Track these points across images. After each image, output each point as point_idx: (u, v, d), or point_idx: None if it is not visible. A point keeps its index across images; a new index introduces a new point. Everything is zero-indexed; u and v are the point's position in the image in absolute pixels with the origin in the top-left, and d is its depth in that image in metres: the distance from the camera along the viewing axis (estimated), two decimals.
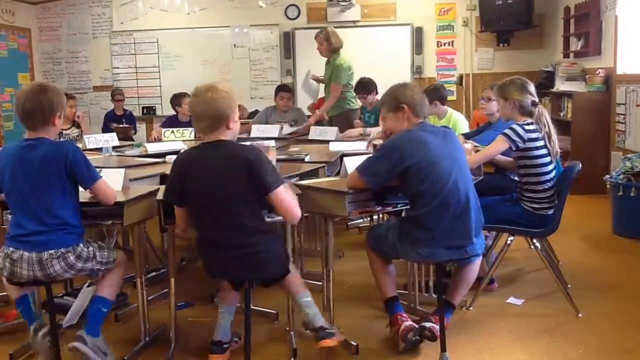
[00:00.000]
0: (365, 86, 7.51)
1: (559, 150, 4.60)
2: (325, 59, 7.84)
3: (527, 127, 4.40)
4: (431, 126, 3.93)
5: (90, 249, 3.58)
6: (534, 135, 4.41)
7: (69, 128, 7.52)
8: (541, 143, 4.44)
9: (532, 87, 4.59)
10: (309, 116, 8.86)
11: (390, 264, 4.11)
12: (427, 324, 3.87)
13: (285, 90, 7.92)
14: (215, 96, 3.45)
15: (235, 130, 3.58)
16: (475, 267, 4.04)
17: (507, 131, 4.40)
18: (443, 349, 3.73)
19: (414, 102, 3.85)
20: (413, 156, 3.65)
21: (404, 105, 3.83)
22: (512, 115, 4.57)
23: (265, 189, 3.42)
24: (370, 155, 4.05)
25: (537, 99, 4.57)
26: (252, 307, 3.69)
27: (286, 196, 3.50)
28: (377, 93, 7.45)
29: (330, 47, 7.57)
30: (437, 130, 3.88)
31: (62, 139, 7.28)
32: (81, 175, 3.49)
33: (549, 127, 4.51)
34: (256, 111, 8.85)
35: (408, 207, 3.90)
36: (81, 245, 3.52)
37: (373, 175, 3.76)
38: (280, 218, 3.65)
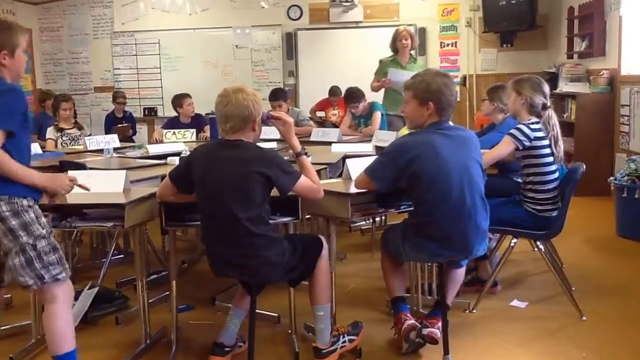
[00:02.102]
0: (355, 95, 7.44)
1: (563, 156, 4.58)
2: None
3: (532, 126, 4.39)
4: (450, 128, 3.77)
5: (40, 228, 3.13)
6: (539, 134, 4.40)
7: (71, 128, 7.44)
8: (546, 143, 4.42)
9: (546, 89, 4.58)
10: (310, 117, 8.85)
11: (402, 264, 4.09)
12: (425, 331, 3.84)
13: (273, 99, 7.61)
14: (246, 97, 3.48)
15: (258, 132, 3.62)
16: (463, 267, 4.09)
17: (513, 131, 4.38)
18: (446, 351, 3.72)
19: (443, 103, 3.69)
20: (422, 162, 3.56)
21: (431, 103, 3.68)
22: (520, 111, 4.54)
23: (284, 191, 3.52)
24: (378, 155, 3.94)
25: (548, 102, 4.55)
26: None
27: (304, 186, 3.56)
28: (365, 99, 7.43)
29: (415, 44, 7.64)
30: (456, 134, 3.75)
31: (64, 139, 7.23)
32: None
33: (556, 131, 4.50)
34: None
35: (411, 209, 3.87)
36: (24, 202, 3.10)
37: (382, 179, 3.70)
38: (283, 219, 3.79)
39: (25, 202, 3.10)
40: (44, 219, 3.21)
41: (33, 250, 3.10)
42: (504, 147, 4.43)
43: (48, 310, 3.21)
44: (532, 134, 4.36)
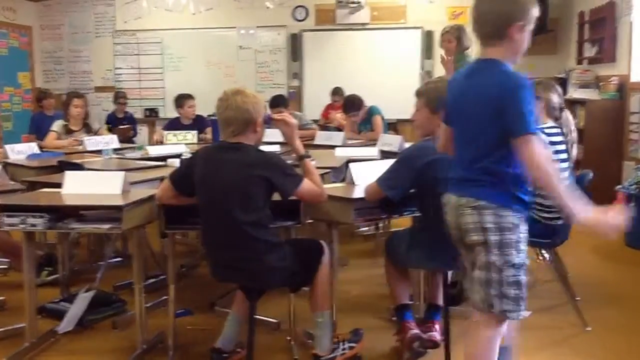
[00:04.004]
0: (355, 104, 7.39)
1: (574, 157, 4.51)
2: None
3: (547, 131, 4.32)
4: None
5: (515, 256, 2.78)
6: (555, 139, 4.33)
7: (79, 129, 7.28)
8: (562, 147, 4.37)
9: (560, 90, 4.56)
10: (316, 120, 8.81)
11: (407, 271, 4.03)
12: (424, 336, 3.83)
13: (272, 106, 7.61)
14: (245, 100, 3.45)
15: (260, 134, 3.57)
16: None
17: None
18: (448, 359, 3.67)
19: None
20: (437, 167, 3.45)
21: (442, 112, 3.53)
22: (539, 115, 4.46)
23: (286, 194, 3.48)
24: (390, 165, 3.78)
25: (563, 104, 4.49)
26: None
27: (306, 190, 3.52)
28: (364, 106, 7.37)
29: (460, 48, 6.86)
30: None
31: (70, 138, 7.11)
32: None
33: (573, 134, 4.43)
34: None
35: (417, 214, 3.81)
36: (510, 218, 2.77)
37: (396, 189, 3.61)
38: (284, 224, 3.78)
39: (511, 218, 2.79)
40: (525, 246, 2.84)
41: (497, 273, 2.79)
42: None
43: (477, 331, 2.94)
44: (547, 139, 4.26)
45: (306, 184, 3.50)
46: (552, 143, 4.30)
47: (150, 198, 3.84)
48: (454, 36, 6.88)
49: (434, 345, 3.79)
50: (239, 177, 3.35)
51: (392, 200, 3.69)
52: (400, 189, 3.61)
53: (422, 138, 3.79)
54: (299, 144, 3.69)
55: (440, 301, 4.00)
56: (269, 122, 3.59)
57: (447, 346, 3.70)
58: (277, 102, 7.67)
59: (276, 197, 3.48)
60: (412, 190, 3.65)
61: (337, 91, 9.48)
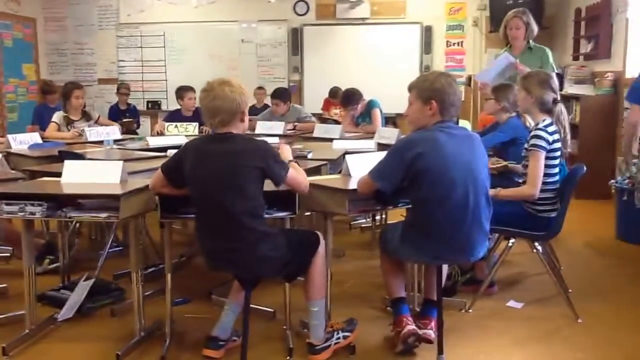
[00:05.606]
0: (353, 98, 7.40)
1: (567, 152, 4.53)
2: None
3: (549, 130, 4.31)
4: (454, 128, 3.68)
5: None
6: (556, 136, 4.33)
7: (79, 119, 7.33)
8: (558, 146, 4.36)
9: (555, 83, 4.53)
10: (319, 114, 8.85)
11: (402, 264, 4.03)
12: (420, 332, 3.82)
13: (274, 97, 7.75)
14: (232, 90, 3.51)
15: (247, 123, 3.64)
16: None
17: (536, 142, 4.27)
18: (440, 351, 3.69)
19: (446, 102, 3.59)
20: (426, 159, 3.46)
21: (433, 101, 3.59)
22: (531, 109, 4.49)
23: (278, 182, 3.53)
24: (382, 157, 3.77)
25: (558, 96, 4.49)
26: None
27: (292, 177, 3.58)
28: (363, 99, 7.43)
29: (530, 34, 6.23)
30: (460, 133, 3.68)
31: (69, 129, 7.14)
32: None
33: (566, 127, 4.45)
34: (265, 106, 8.97)
35: (409, 207, 3.79)
36: None
37: (387, 179, 3.59)
38: (279, 214, 3.80)
39: None
40: None
41: None
42: (540, 163, 4.29)
43: None
44: (550, 138, 4.28)
45: (293, 172, 3.58)
46: (554, 141, 4.31)
47: (147, 188, 3.83)
48: (524, 21, 6.21)
49: (428, 342, 3.79)
50: (230, 167, 3.39)
51: (386, 192, 3.68)
52: (391, 181, 3.59)
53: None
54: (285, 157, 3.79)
55: (435, 297, 3.96)
56: None
57: (439, 336, 3.72)
58: (279, 94, 7.73)
59: (270, 187, 3.54)
60: (404, 183, 3.62)
61: (335, 92, 9.50)
